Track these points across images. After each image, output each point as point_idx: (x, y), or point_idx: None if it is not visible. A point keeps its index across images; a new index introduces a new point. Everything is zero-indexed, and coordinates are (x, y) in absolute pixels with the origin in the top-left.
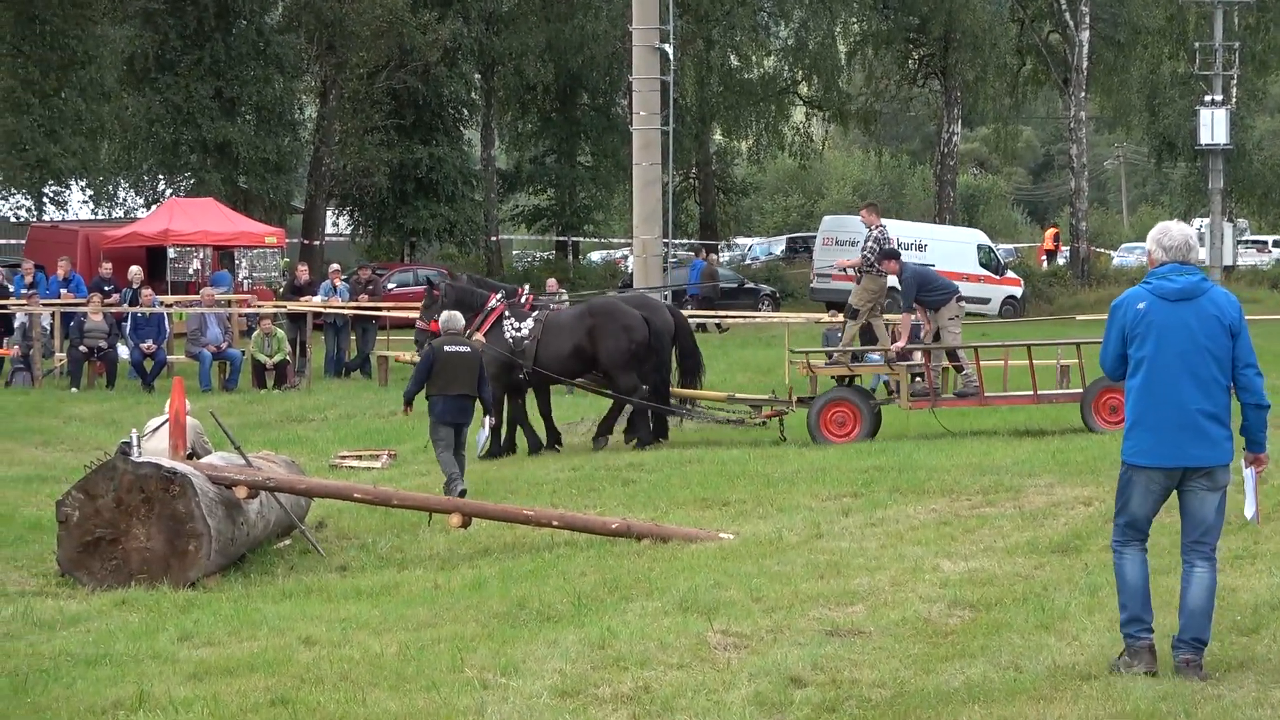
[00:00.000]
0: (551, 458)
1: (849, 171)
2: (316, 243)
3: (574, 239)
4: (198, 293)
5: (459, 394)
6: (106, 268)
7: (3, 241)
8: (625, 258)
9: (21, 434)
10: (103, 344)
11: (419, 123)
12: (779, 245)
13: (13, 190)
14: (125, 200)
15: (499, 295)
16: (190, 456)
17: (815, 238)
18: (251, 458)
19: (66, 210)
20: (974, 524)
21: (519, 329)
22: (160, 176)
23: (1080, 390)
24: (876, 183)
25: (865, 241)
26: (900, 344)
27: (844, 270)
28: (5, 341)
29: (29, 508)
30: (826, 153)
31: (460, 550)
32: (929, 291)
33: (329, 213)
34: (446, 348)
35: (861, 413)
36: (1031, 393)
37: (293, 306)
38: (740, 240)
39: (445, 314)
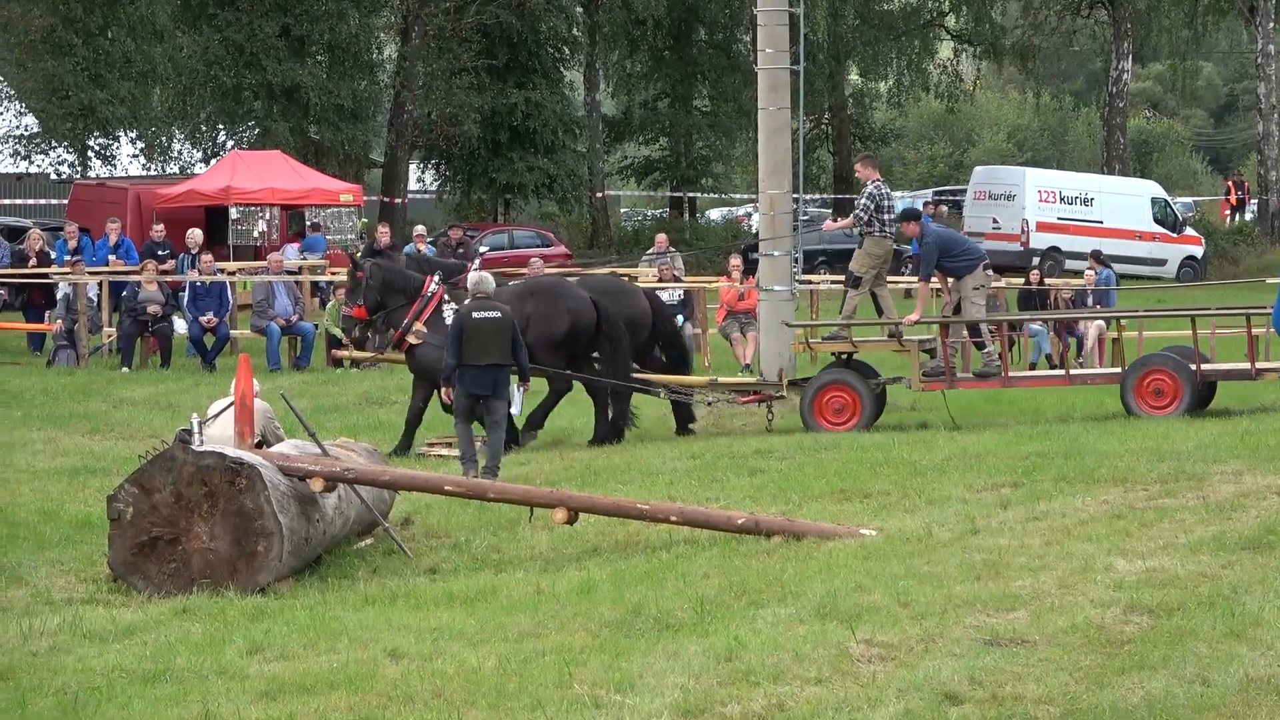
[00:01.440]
0: (669, 444)
1: (1003, 115)
2: (398, 201)
3: (690, 194)
4: (264, 258)
5: (489, 364)
6: (160, 230)
7: (43, 202)
8: (749, 215)
9: (66, 420)
10: (158, 317)
11: (514, 63)
12: (923, 200)
13: (53, 143)
14: (181, 154)
15: (437, 278)
16: (259, 445)
17: (965, 191)
18: (328, 446)
19: (114, 166)
20: (1152, 517)
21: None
22: (220, 126)
23: (1119, 371)
24: (1035, 128)
25: (860, 199)
26: (914, 316)
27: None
28: (47, 315)
29: (76, 504)
30: (977, 94)
31: (566, 550)
32: (953, 258)
33: (412, 167)
34: (475, 313)
35: (861, 397)
36: (1064, 373)
37: None
38: None
39: (474, 275)
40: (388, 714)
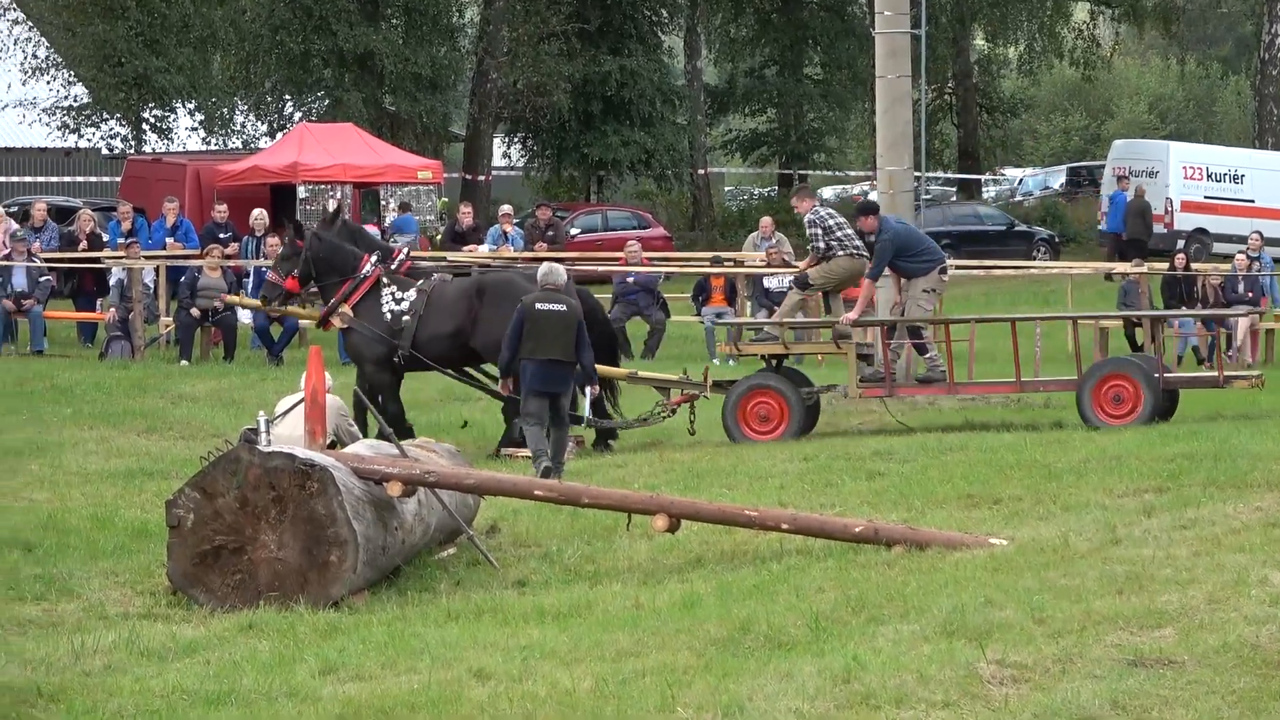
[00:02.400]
0: (779, 445)
1: (1144, 84)
2: (481, 178)
3: (800, 171)
4: None
5: (553, 359)
6: (222, 211)
7: (93, 179)
8: (865, 194)
9: (120, 417)
10: (219, 306)
11: (607, 28)
12: (1057, 177)
13: (105, 115)
14: (244, 127)
15: (375, 257)
16: (331, 445)
17: (1103, 168)
18: (406, 446)
19: (171, 140)
20: None
21: (400, 301)
22: (287, 97)
23: (1074, 377)
24: (1179, 98)
25: (809, 229)
26: (853, 315)
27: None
28: (99, 304)
29: (132, 509)
30: (1116, 61)
31: (667, 560)
32: (910, 258)
33: (496, 141)
34: (539, 305)
35: (790, 405)
36: (1014, 380)
37: (454, 257)
38: (1008, 171)
39: (544, 266)
40: None
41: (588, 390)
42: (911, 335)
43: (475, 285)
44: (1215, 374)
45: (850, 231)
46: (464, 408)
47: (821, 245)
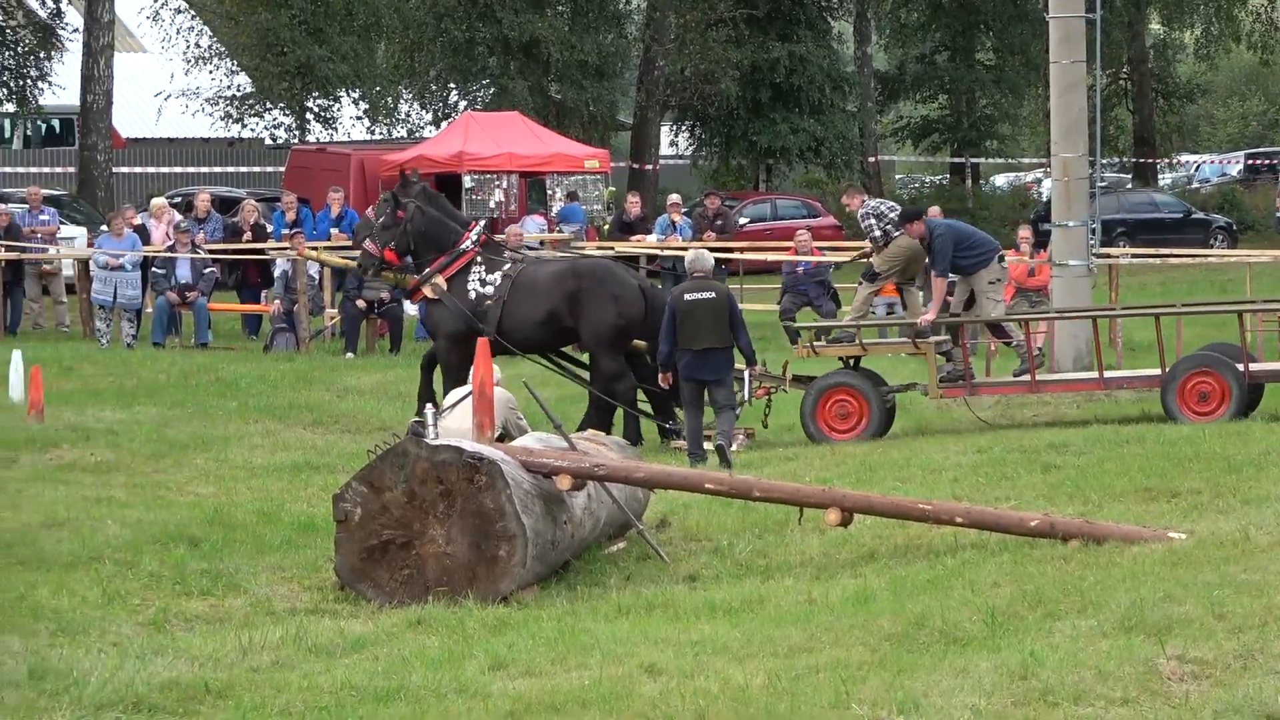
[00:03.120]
0: (952, 438)
1: None
2: (649, 167)
3: (973, 159)
4: (501, 231)
5: (705, 347)
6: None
7: (257, 169)
8: (1038, 181)
9: (286, 411)
10: (385, 297)
11: (776, 13)
12: (1235, 164)
13: (268, 104)
14: (408, 116)
15: (475, 233)
16: (500, 438)
17: None
18: (575, 439)
19: (335, 129)
20: None
21: (485, 284)
22: (452, 85)
23: (1158, 373)
24: None
25: (863, 225)
26: (930, 315)
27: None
28: (264, 295)
29: (298, 503)
30: None
31: (840, 555)
32: (965, 251)
33: (664, 129)
34: (687, 295)
35: (870, 403)
36: (1097, 378)
37: (621, 248)
38: (1185, 158)
39: (691, 253)
40: None
41: (747, 373)
42: (996, 332)
43: (570, 270)
44: None
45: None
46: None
47: (878, 234)
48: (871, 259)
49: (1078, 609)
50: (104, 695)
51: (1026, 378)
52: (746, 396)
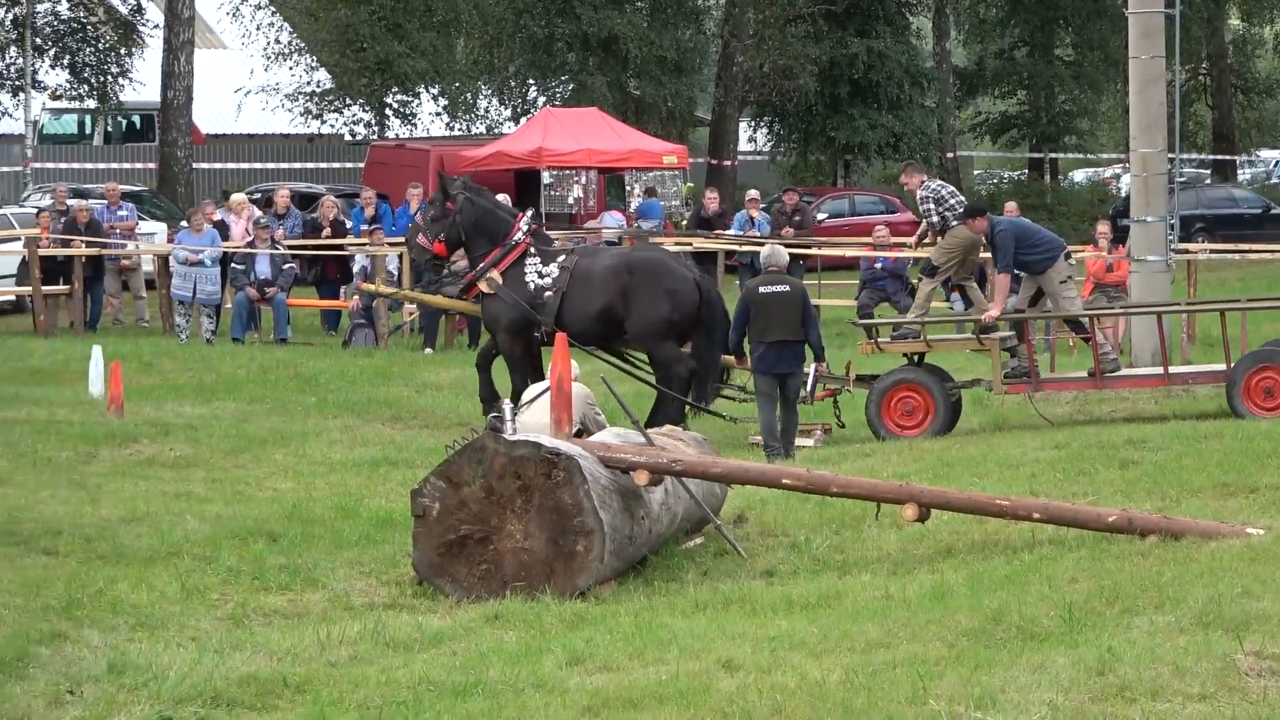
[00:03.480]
0: (1030, 433)
1: None
2: (727, 163)
3: (1051, 154)
4: (580, 227)
5: (778, 340)
6: None
7: (336, 165)
8: (1117, 177)
9: (365, 407)
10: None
11: (854, 9)
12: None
13: (348, 100)
14: (487, 112)
15: (525, 223)
16: (578, 434)
17: None
18: (653, 435)
19: (415, 125)
20: None
21: (544, 275)
22: (530, 81)
23: (1224, 368)
24: None
25: (921, 206)
26: (994, 311)
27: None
28: (343, 291)
29: (376, 499)
30: None
31: (917, 550)
32: (1029, 249)
33: (742, 125)
34: (762, 288)
35: (935, 400)
36: (1162, 373)
37: (700, 243)
38: (1265, 153)
39: (766, 248)
40: None
41: (813, 367)
42: (1075, 329)
43: (625, 264)
44: None
45: (964, 200)
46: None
47: (935, 219)
48: (925, 244)
49: (1155, 605)
50: (182, 689)
51: (1116, 369)
52: (809, 392)
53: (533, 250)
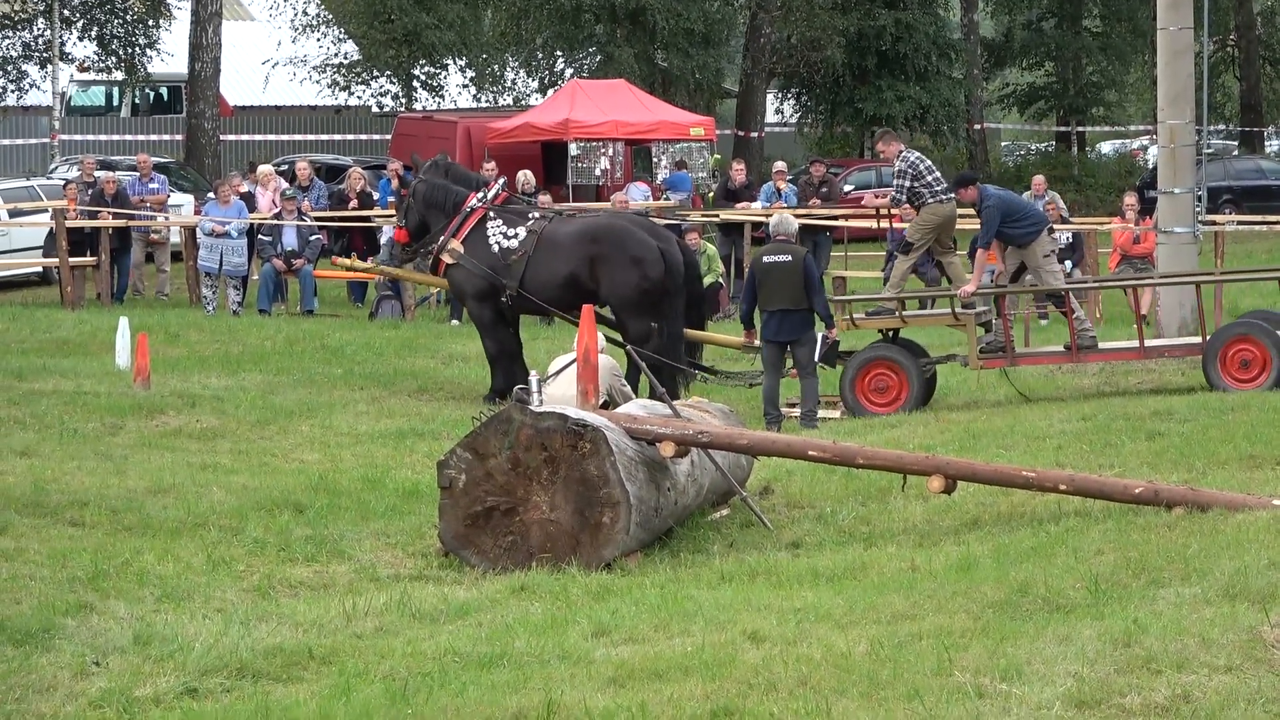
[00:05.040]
0: (1056, 405)
1: None
2: (754, 135)
3: (1079, 126)
4: (606, 199)
5: (781, 309)
6: (491, 168)
7: (364, 137)
8: (1144, 149)
9: (391, 378)
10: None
11: None
12: None
13: (375, 72)
14: (514, 84)
15: (481, 194)
16: (604, 405)
17: None
18: (679, 406)
19: (442, 97)
20: None
21: (510, 237)
22: (558, 53)
23: (1199, 341)
24: None
25: (895, 178)
26: (971, 286)
27: (880, 211)
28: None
29: (403, 470)
30: None
31: (943, 522)
32: (1014, 223)
33: (769, 97)
34: (765, 258)
35: (909, 376)
36: (1137, 345)
37: (726, 215)
38: None
39: (776, 216)
40: (748, 703)
41: (821, 335)
42: (1055, 303)
43: (590, 231)
44: None
45: (939, 176)
46: (736, 366)
47: (901, 197)
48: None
49: (1181, 576)
50: (208, 661)
51: (1094, 345)
52: (817, 359)
53: (493, 215)
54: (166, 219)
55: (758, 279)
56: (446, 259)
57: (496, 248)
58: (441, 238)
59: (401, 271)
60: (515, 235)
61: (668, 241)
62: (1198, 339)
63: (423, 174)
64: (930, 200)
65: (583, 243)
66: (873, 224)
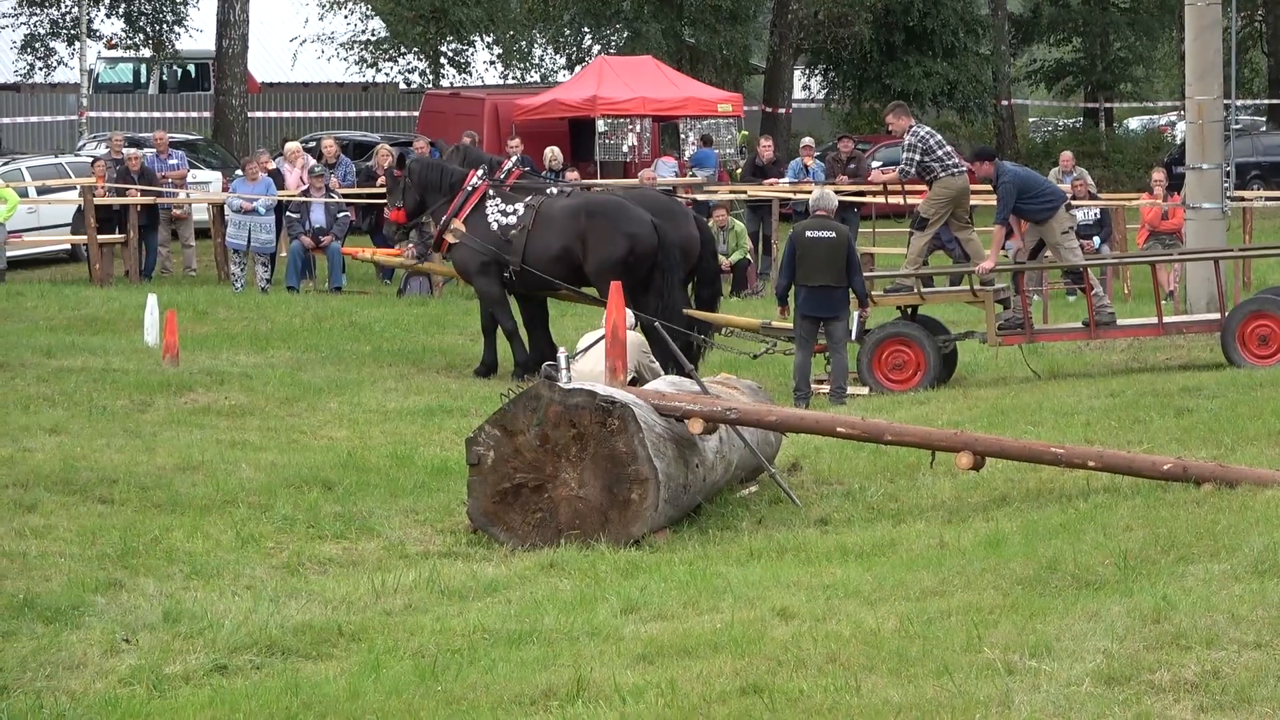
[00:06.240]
0: (1085, 381)
1: None
2: (782, 111)
3: (1107, 102)
4: (634, 175)
5: (821, 285)
6: (517, 145)
7: (391, 114)
8: (1172, 124)
9: (419, 355)
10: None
11: None
12: None
13: (402, 49)
14: (542, 60)
15: (480, 172)
16: (633, 382)
17: None
18: (708, 383)
19: (469, 74)
20: None
21: (508, 214)
22: (585, 30)
23: (1218, 317)
24: None
25: (904, 152)
26: (989, 264)
27: (886, 187)
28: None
29: (431, 447)
30: None
31: (971, 499)
32: (1031, 199)
33: (797, 73)
34: (808, 232)
35: (926, 353)
36: (1155, 321)
37: (754, 191)
38: None
39: (816, 191)
40: (777, 679)
41: (856, 314)
42: (1074, 279)
43: (584, 207)
44: None
45: (950, 150)
46: (764, 343)
47: (910, 170)
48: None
49: (1210, 553)
50: (238, 638)
51: (1112, 321)
52: (854, 336)
53: (491, 193)
54: (189, 195)
55: (798, 253)
56: (450, 238)
57: (496, 225)
58: (444, 217)
59: (424, 265)
60: (514, 212)
61: (672, 217)
62: (1217, 315)
63: (417, 157)
64: (941, 174)
65: (577, 217)
66: (896, 200)
